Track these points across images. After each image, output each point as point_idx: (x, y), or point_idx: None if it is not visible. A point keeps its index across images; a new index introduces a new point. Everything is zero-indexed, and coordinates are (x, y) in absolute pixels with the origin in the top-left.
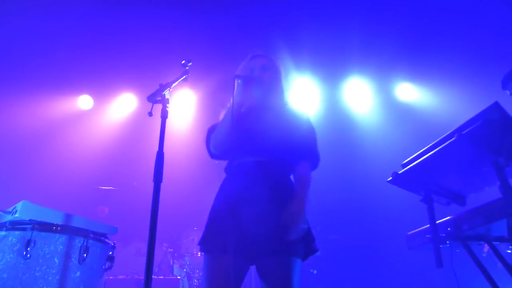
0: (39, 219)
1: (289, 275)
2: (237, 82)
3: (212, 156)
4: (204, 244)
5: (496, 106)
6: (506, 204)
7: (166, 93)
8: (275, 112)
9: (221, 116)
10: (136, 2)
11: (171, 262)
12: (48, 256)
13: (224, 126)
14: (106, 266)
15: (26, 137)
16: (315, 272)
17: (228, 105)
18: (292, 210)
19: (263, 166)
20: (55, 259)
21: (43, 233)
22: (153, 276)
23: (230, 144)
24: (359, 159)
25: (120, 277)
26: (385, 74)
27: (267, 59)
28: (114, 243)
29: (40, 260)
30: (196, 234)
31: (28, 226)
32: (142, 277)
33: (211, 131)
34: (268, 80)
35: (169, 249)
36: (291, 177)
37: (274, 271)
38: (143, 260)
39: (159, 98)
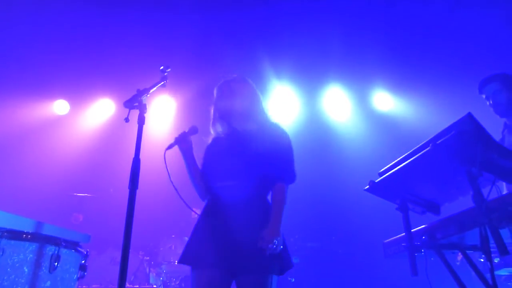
0: (8, 226)
1: None
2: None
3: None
4: (188, 259)
5: (469, 117)
6: (479, 214)
7: (144, 98)
8: (241, 133)
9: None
10: (114, 6)
11: (148, 271)
12: (17, 265)
13: (194, 180)
14: (78, 275)
15: None
16: (292, 280)
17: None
18: (267, 232)
19: (235, 189)
20: (25, 268)
21: (12, 241)
22: (128, 285)
23: (204, 188)
24: (337, 167)
25: (94, 286)
26: (364, 84)
27: (217, 88)
28: (87, 252)
29: (8, 269)
30: (174, 242)
31: None
32: (117, 286)
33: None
34: (230, 107)
35: (145, 257)
36: (268, 196)
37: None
38: (118, 269)
39: (136, 104)
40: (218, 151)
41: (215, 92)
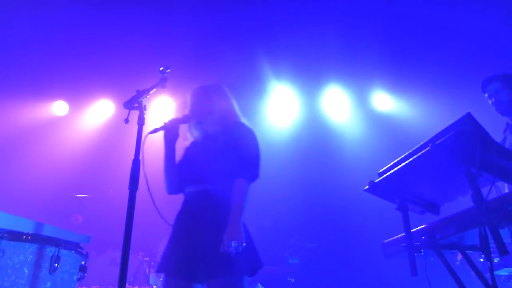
0: (8, 227)
1: None
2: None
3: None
4: (159, 267)
5: (468, 117)
6: (478, 214)
7: (143, 99)
8: (209, 137)
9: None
10: (114, 6)
11: (147, 271)
12: (17, 266)
13: (168, 173)
14: (78, 276)
15: None
16: (292, 280)
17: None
18: (226, 235)
19: (202, 194)
20: (25, 269)
21: (12, 242)
22: (128, 286)
23: (175, 184)
24: (336, 167)
25: (94, 287)
26: (363, 84)
27: (193, 92)
28: (87, 253)
29: (9, 270)
30: None
31: None
32: (116, 287)
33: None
34: (194, 113)
35: (145, 258)
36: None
37: None
38: (118, 270)
39: (136, 105)
40: (189, 154)
41: (188, 97)
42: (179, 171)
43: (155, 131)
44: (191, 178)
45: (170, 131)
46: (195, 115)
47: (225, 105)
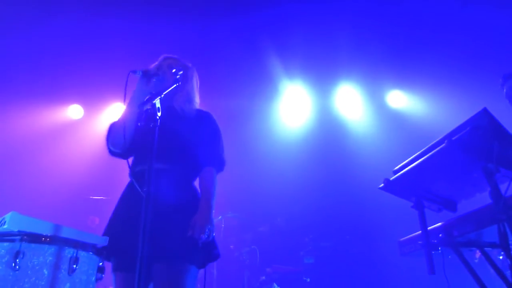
0: (28, 230)
1: (180, 282)
2: (135, 76)
3: (111, 153)
4: (106, 255)
5: (484, 112)
6: (497, 210)
7: (157, 101)
8: (178, 114)
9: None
10: (127, 11)
11: None
12: (37, 267)
13: (121, 123)
14: (97, 277)
15: (15, 147)
16: (308, 280)
17: (127, 101)
18: (198, 220)
19: (165, 173)
20: (44, 270)
21: (32, 244)
22: None
23: (128, 145)
24: (351, 166)
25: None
26: (376, 81)
27: (175, 61)
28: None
29: (29, 272)
30: None
31: (17, 237)
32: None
33: (112, 127)
34: (172, 79)
35: None
36: (195, 182)
37: (164, 277)
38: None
39: (149, 107)
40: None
41: (159, 62)
42: (133, 144)
43: (135, 72)
44: (162, 154)
45: (147, 80)
46: (169, 85)
47: (195, 86)
